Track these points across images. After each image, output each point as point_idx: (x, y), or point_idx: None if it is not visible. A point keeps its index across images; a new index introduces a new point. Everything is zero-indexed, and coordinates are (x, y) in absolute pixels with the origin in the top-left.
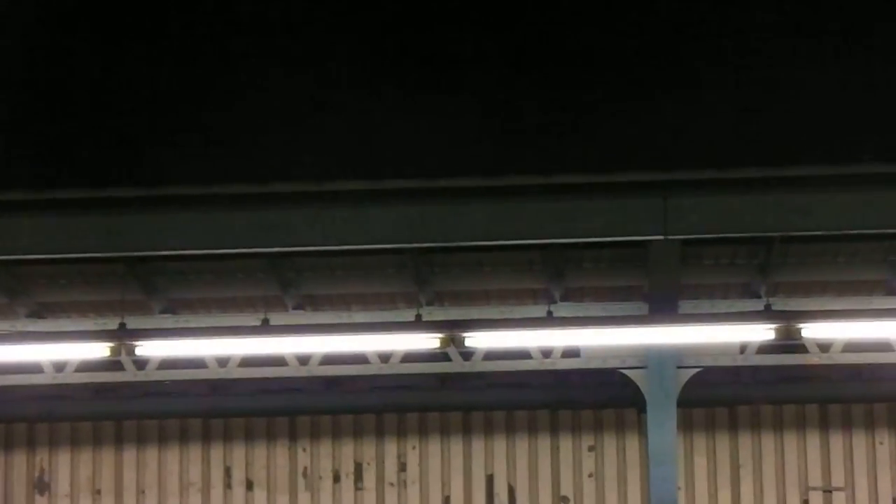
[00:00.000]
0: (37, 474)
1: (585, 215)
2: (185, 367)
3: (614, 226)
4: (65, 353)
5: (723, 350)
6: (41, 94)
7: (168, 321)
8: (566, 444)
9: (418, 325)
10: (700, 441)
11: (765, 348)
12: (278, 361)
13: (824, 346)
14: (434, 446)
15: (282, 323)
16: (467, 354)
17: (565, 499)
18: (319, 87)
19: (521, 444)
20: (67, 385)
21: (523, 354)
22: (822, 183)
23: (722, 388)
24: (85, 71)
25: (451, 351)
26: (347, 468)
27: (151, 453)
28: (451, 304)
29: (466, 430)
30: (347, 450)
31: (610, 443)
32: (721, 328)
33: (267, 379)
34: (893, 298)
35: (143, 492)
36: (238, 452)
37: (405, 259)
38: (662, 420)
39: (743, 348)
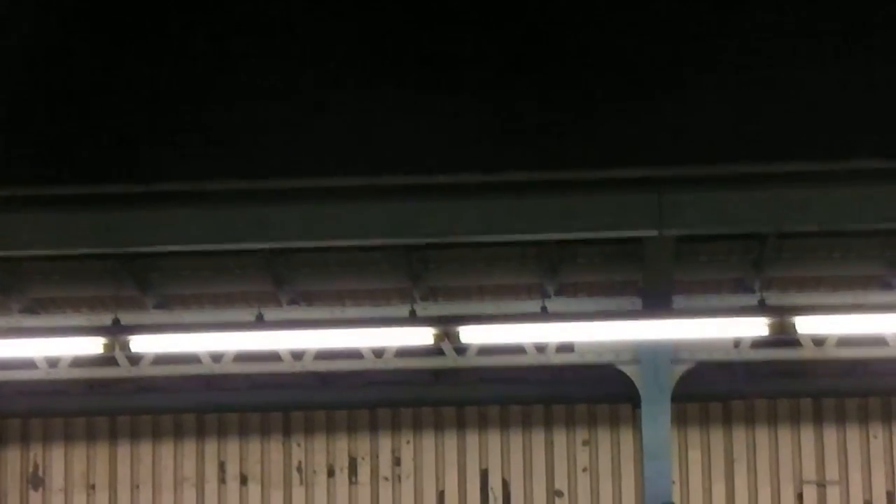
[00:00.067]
0: (31, 469)
1: (581, 211)
2: (179, 362)
3: (609, 222)
4: (59, 348)
5: (717, 345)
6: (41, 94)
7: (162, 317)
8: (560, 438)
9: (412, 320)
10: (694, 435)
11: (759, 343)
12: (272, 357)
13: (818, 341)
14: (428, 441)
15: (276, 318)
16: (461, 349)
17: (559, 493)
18: (318, 87)
19: (516, 439)
20: (61, 380)
21: (517, 349)
22: (817, 179)
23: (716, 383)
24: (85, 70)
25: (446, 346)
26: (342, 463)
27: (145, 448)
28: (445, 299)
29: (461, 425)
30: (342, 445)
31: (604, 437)
32: (715, 323)
33: (261, 374)
34: (888, 293)
35: (138, 486)
36: (232, 447)
37: (399, 255)
38: (656, 414)
39: (737, 343)
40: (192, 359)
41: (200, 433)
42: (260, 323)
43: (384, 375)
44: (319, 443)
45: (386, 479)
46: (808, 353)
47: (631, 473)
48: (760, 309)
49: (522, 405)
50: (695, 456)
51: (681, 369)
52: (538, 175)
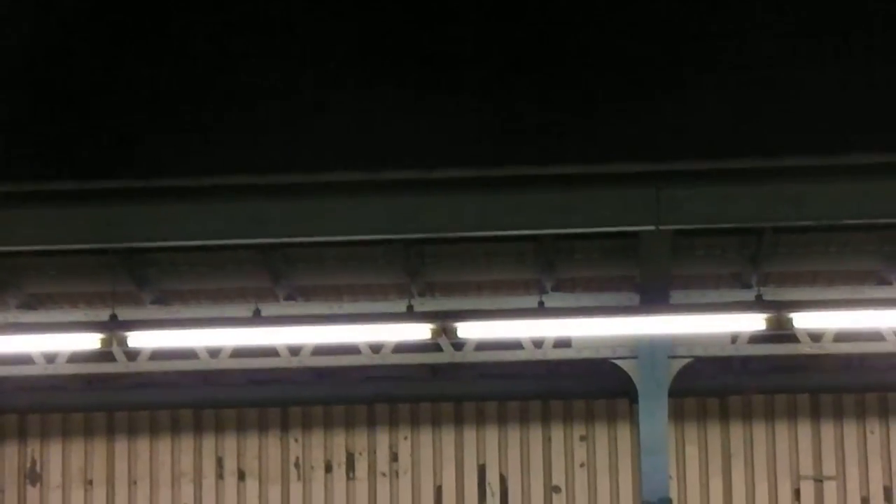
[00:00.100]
0: (28, 465)
1: (578, 206)
2: (177, 358)
3: (607, 216)
4: (56, 344)
5: (714, 340)
6: (40, 93)
7: (159, 312)
8: (558, 433)
9: (410, 315)
10: (691, 430)
11: (756, 338)
12: (270, 352)
13: (815, 336)
14: (426, 436)
15: (273, 314)
16: (459, 345)
17: (557, 488)
18: (318, 87)
19: (513, 434)
20: (59, 376)
21: (515, 345)
22: (814, 173)
23: (713, 378)
24: (85, 70)
25: (443, 341)
26: (339, 458)
27: (143, 444)
28: (442, 294)
29: (458, 421)
30: (339, 440)
31: (601, 432)
32: (712, 318)
33: (258, 370)
34: (884, 288)
35: (135, 482)
36: (230, 443)
37: (397, 250)
38: (654, 410)
39: (734, 338)
40: (189, 354)
41: (198, 429)
42: (257, 318)
43: (382, 371)
44: (317, 438)
45: (383, 474)
46: (805, 348)
47: (628, 468)
48: (757, 304)
49: (520, 401)
50: (692, 451)
51: (678, 364)
52: (536, 170)
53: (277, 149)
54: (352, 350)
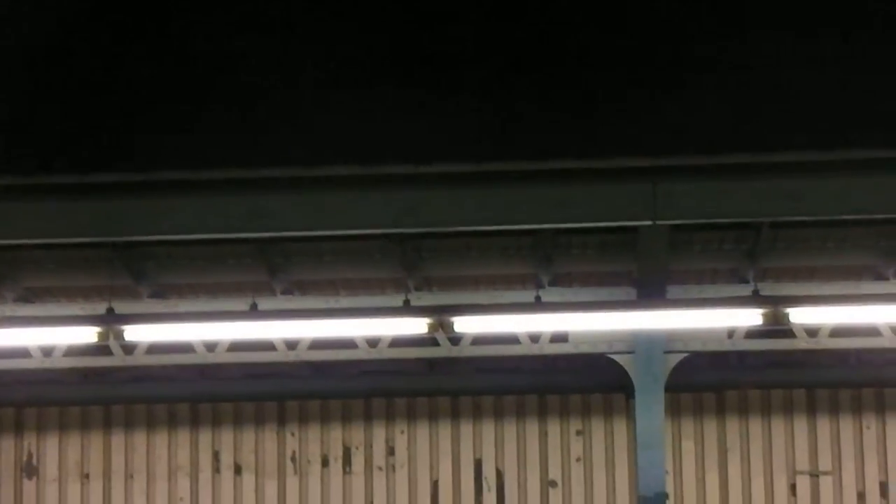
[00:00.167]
0: (25, 458)
1: (575, 201)
2: (174, 351)
3: (603, 211)
4: (53, 337)
5: (711, 335)
6: (40, 88)
7: (156, 306)
8: (554, 428)
9: (406, 310)
10: (688, 425)
11: (752, 333)
12: (267, 346)
13: (812, 331)
14: (422, 431)
15: (270, 308)
16: (455, 339)
17: (553, 483)
18: (317, 86)
19: (510, 429)
20: (56, 370)
21: (512, 339)
22: (812, 168)
23: (710, 373)
24: (84, 69)
25: (440, 336)
26: (336, 452)
27: (140, 438)
28: (439, 289)
29: (455, 415)
30: (336, 434)
31: (598, 427)
32: (709, 313)
33: (255, 364)
34: (881, 283)
35: (132, 476)
36: (226, 437)
37: (394, 244)
38: (650, 404)
39: (731, 333)
40: (186, 348)
41: (195, 422)
42: (254, 312)
43: (378, 365)
44: (314, 432)
45: (380, 468)
46: (801, 343)
47: (624, 463)
48: (754, 299)
49: (516, 395)
50: (688, 446)
51: (675, 359)
52: (533, 165)
53: (276, 145)
54: (348, 344)
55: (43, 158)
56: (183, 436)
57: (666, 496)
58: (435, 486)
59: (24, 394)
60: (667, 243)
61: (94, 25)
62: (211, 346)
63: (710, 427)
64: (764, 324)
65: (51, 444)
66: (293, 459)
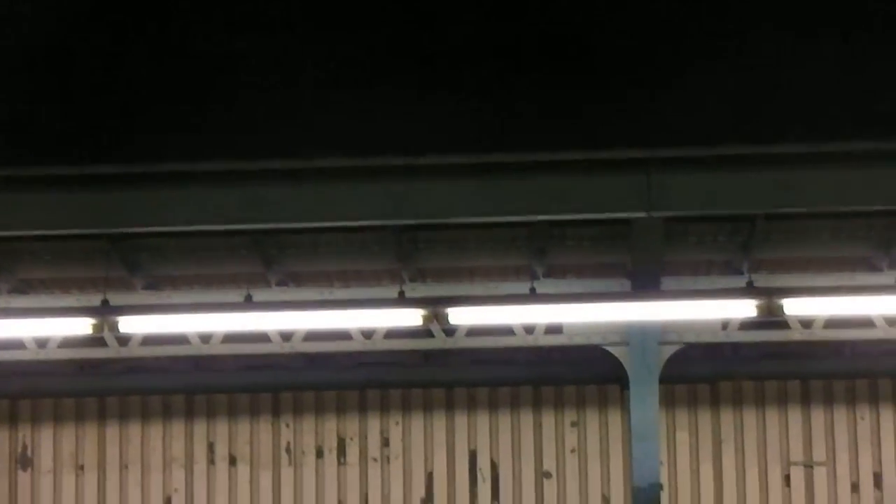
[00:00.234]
0: (19, 450)
1: (569, 192)
2: (169, 343)
3: (598, 203)
4: (48, 329)
5: (705, 326)
6: (40, 92)
7: (151, 298)
8: (549, 419)
9: (401, 301)
10: (682, 416)
11: (747, 325)
12: (261, 338)
13: (806, 323)
14: (417, 422)
15: (265, 299)
16: (450, 331)
17: (548, 474)
18: (317, 86)
19: (504, 420)
20: (50, 361)
21: (506, 331)
22: (807, 160)
23: (704, 364)
24: (85, 69)
25: (434, 327)
26: (330, 444)
27: (134, 429)
28: (434, 280)
29: (449, 406)
30: (331, 425)
31: (592, 418)
32: (703, 305)
33: (250, 355)
34: (876, 275)
35: (126, 467)
36: (221, 428)
37: (388, 236)
38: (645, 396)
39: (725, 325)
40: (181, 340)
41: (189, 414)
42: (249, 304)
43: (373, 356)
44: (308, 424)
45: (375, 459)
46: (795, 334)
47: (619, 454)
48: (748, 290)
49: (511, 386)
50: (682, 437)
51: (669, 351)
52: (528, 157)
53: (276, 144)
54: (343, 336)
55: (41, 154)
56: (178, 427)
57: (660, 487)
58: (429, 477)
59: (19, 385)
60: (661, 235)
61: (94, 25)
62: (205, 338)
63: (705, 418)
64: (758, 315)
65: (45, 435)
66: (288, 450)
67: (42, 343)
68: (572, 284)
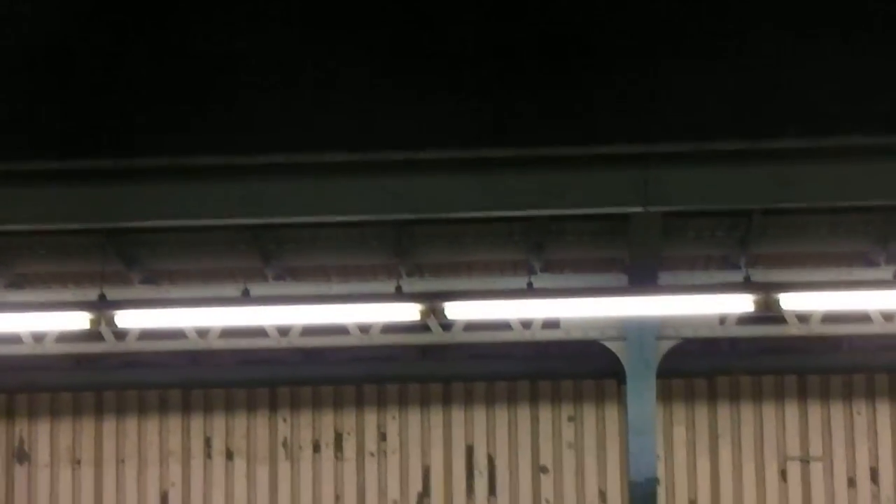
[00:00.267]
0: (16, 444)
1: (567, 187)
2: (166, 337)
3: (595, 198)
4: (44, 323)
5: (702, 321)
6: (40, 92)
7: (148, 292)
8: (546, 414)
9: (398, 296)
10: (679, 411)
11: (744, 320)
12: (258, 332)
13: (803, 318)
14: (414, 417)
15: (262, 294)
16: (447, 326)
17: (545, 468)
18: (317, 87)
19: (501, 415)
20: (47, 356)
21: (503, 326)
22: (804, 155)
23: (701, 359)
24: (85, 69)
25: (432, 322)
26: (328, 438)
27: (131, 423)
28: (431, 275)
29: (446, 401)
30: (328, 420)
31: (589, 413)
32: (700, 300)
33: (247, 350)
34: (873, 270)
35: (123, 461)
36: (218, 423)
37: (386, 230)
38: (642, 390)
39: (722, 319)
40: (178, 334)
41: (186, 408)
42: (246, 298)
43: (370, 351)
44: (305, 418)
45: (371, 454)
46: (793, 329)
47: (616, 449)
48: (746, 285)
49: (508, 381)
50: (679, 432)
51: (666, 345)
52: (525, 151)
53: (275, 142)
54: (341, 331)
55: (37, 146)
56: (174, 422)
57: (657, 481)
58: (426, 471)
59: (16, 380)
60: (659, 230)
61: (94, 25)
62: (203, 333)
63: (702, 413)
64: (755, 310)
65: (42, 429)
66: (285, 445)
67: (39, 337)
68: (570, 279)
